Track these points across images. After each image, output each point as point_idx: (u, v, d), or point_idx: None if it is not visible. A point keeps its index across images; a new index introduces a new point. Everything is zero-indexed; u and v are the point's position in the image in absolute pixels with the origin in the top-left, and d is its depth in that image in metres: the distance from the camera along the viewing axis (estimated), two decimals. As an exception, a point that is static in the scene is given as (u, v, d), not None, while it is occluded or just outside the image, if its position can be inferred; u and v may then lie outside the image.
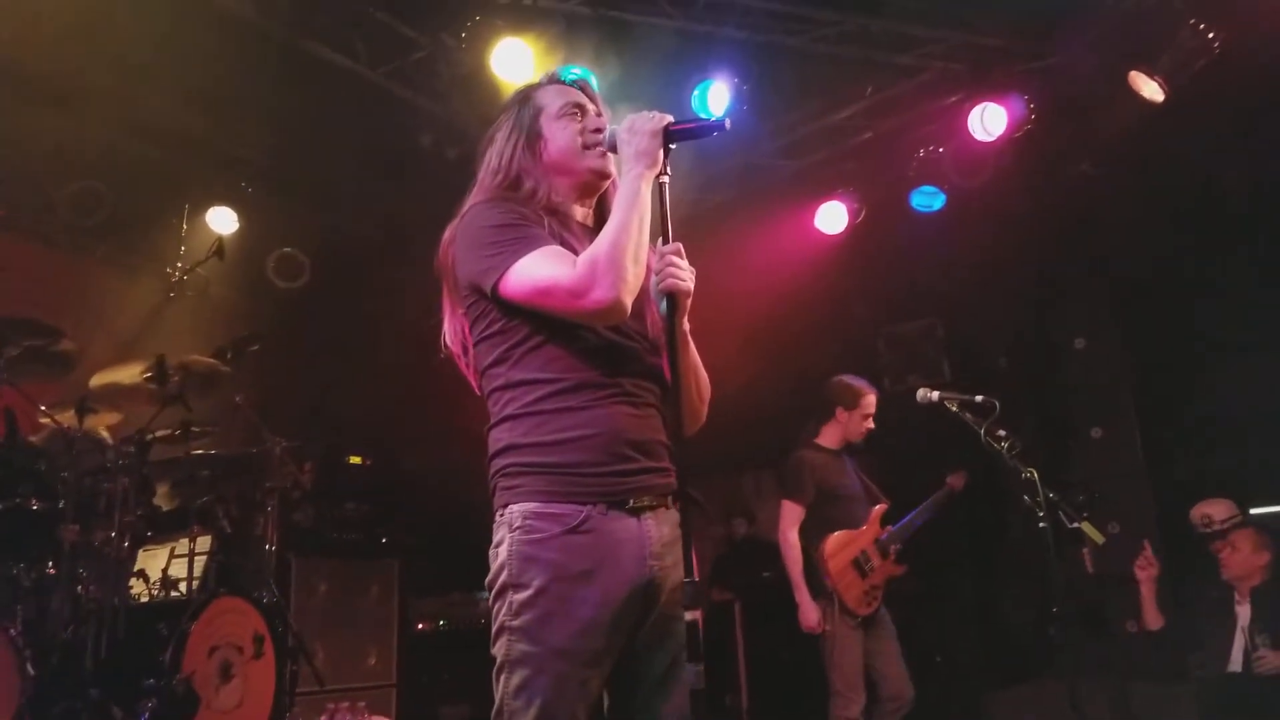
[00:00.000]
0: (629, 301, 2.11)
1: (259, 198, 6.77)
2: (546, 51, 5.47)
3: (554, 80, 2.51)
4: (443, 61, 5.87)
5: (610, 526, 2.12)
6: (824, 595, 4.86)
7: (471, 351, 2.31)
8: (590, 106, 2.43)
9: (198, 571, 4.94)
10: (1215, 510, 5.07)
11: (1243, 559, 4.87)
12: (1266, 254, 5.82)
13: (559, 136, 2.37)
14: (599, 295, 2.07)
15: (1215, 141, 5.75)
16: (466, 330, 2.31)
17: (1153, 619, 5.06)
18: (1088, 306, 7.08)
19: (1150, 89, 5.41)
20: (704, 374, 2.41)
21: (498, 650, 2.10)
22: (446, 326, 2.39)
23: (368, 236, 7.17)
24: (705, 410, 2.43)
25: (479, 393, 2.34)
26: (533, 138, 2.37)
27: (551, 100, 2.42)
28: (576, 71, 5.29)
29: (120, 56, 5.20)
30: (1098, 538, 4.25)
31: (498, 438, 2.21)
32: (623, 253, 2.08)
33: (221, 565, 5.03)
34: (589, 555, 2.09)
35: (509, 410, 2.19)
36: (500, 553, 2.12)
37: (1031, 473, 4.08)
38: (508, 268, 2.14)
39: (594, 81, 5.46)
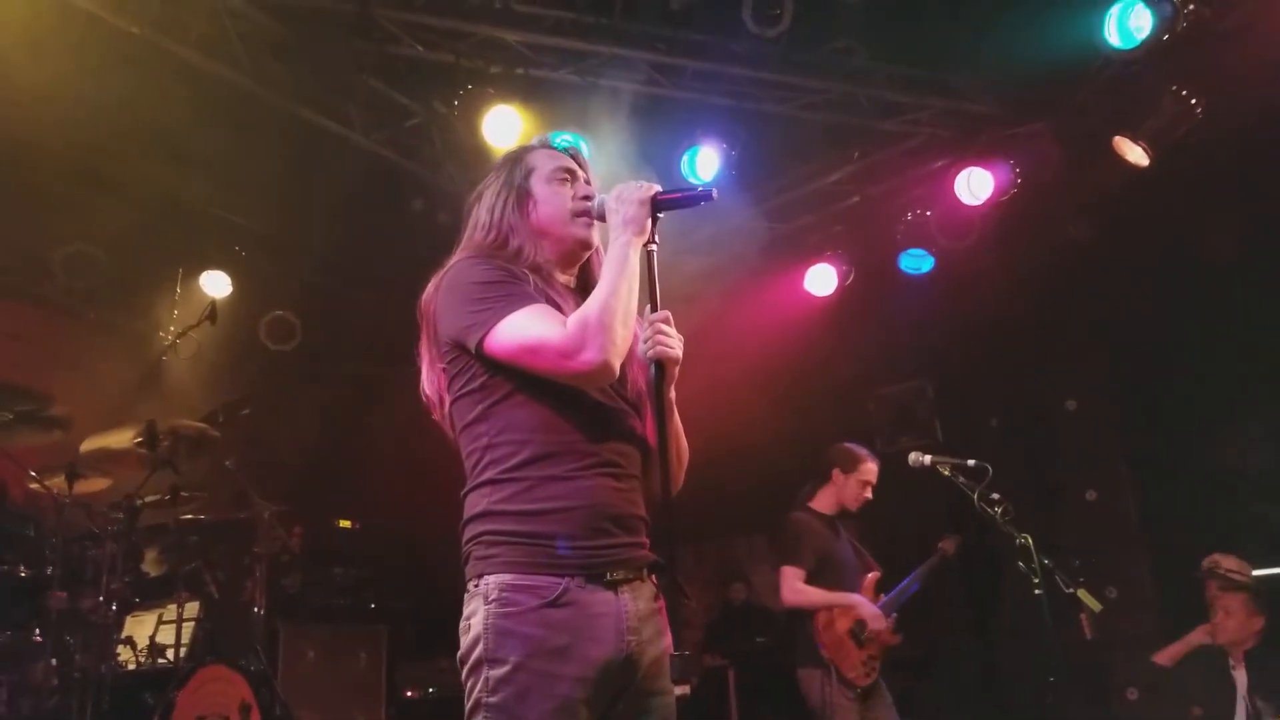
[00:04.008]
0: (617, 365, 2.11)
1: (252, 261, 6.82)
2: (537, 119, 5.56)
3: (545, 145, 2.53)
4: (435, 128, 5.97)
5: (588, 600, 2.09)
6: (820, 666, 4.78)
7: (449, 406, 2.29)
8: (580, 174, 2.45)
9: (185, 638, 4.87)
10: (1228, 561, 5.07)
11: (1238, 624, 4.85)
12: (1256, 312, 5.85)
13: (548, 200, 2.37)
14: (588, 357, 2.07)
15: (1201, 204, 5.82)
16: (443, 385, 2.29)
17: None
18: (1079, 368, 7.10)
19: (1135, 154, 5.50)
20: (684, 441, 2.40)
21: None
22: (424, 375, 2.36)
23: (359, 300, 7.20)
24: (683, 476, 2.41)
25: (455, 444, 2.31)
26: (522, 196, 2.37)
27: (543, 163, 2.43)
28: (567, 139, 5.37)
29: (115, 124, 5.26)
30: (1095, 605, 4.18)
31: (475, 501, 2.17)
32: (613, 316, 2.09)
33: (209, 632, 4.97)
34: (566, 630, 2.05)
35: (488, 474, 2.16)
36: (474, 625, 2.07)
37: (1025, 539, 4.03)
38: (494, 324, 2.13)
39: (584, 148, 5.53)
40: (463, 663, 2.09)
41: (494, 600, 2.06)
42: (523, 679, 2.01)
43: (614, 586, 2.13)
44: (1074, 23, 5.19)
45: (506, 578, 2.07)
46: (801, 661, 4.86)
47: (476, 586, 2.11)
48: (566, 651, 2.04)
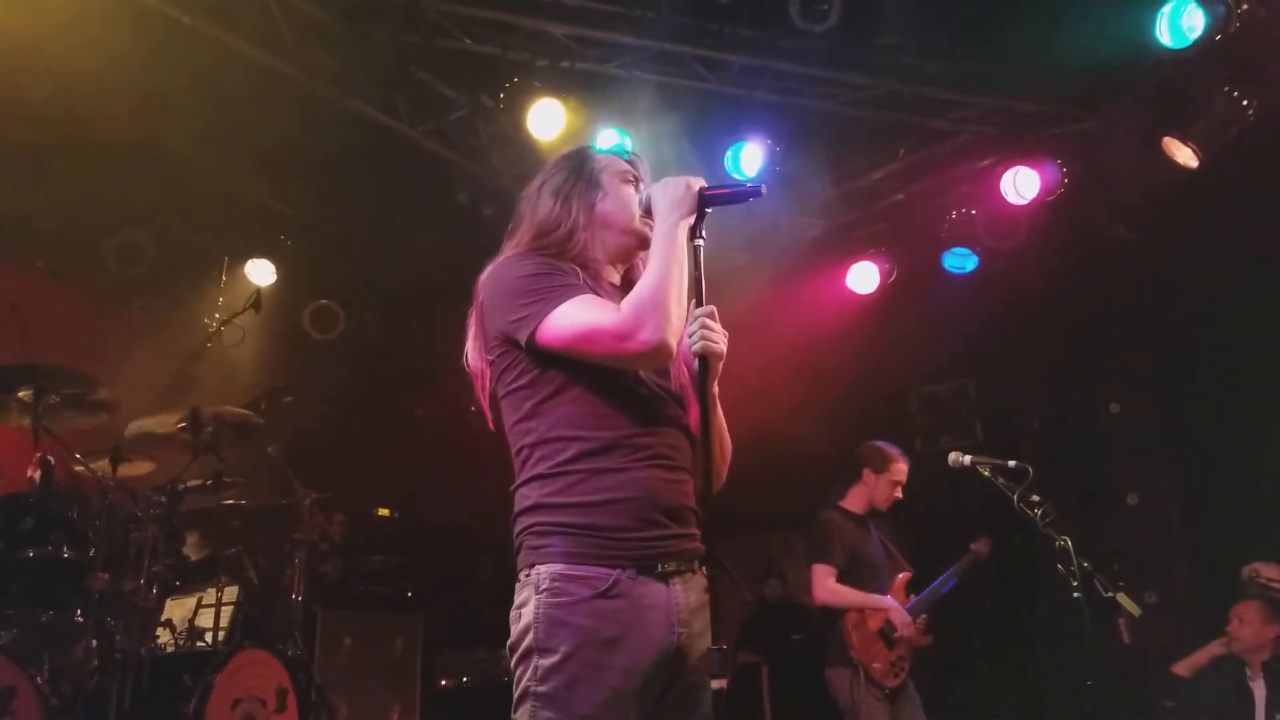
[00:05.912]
0: (674, 343, 2.11)
1: (297, 251, 6.91)
2: (582, 112, 5.57)
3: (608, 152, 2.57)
4: (481, 121, 5.99)
5: (639, 591, 2.09)
6: (849, 666, 4.76)
7: (489, 393, 2.30)
8: (643, 184, 2.46)
9: (224, 622, 4.94)
10: (1269, 570, 4.99)
11: (1252, 632, 4.81)
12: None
13: (618, 196, 2.39)
14: (645, 337, 2.07)
15: (1249, 205, 5.71)
16: (488, 377, 2.30)
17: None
18: (1123, 370, 7.01)
19: (1184, 155, 5.40)
20: (727, 437, 2.39)
21: (520, 716, 2.06)
22: (469, 346, 2.36)
23: (402, 290, 7.26)
24: (726, 471, 2.40)
25: (491, 426, 2.33)
26: (591, 185, 2.38)
27: (613, 162, 2.46)
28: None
29: (165, 113, 5.34)
30: (1134, 609, 4.13)
31: (526, 495, 2.18)
32: (667, 295, 2.10)
33: (247, 616, 5.02)
34: (618, 621, 2.05)
35: (539, 469, 2.17)
36: (525, 614, 2.08)
37: (1065, 541, 3.99)
38: (545, 315, 2.14)
39: (629, 143, 5.55)
40: (512, 651, 2.10)
41: (545, 590, 2.07)
42: (572, 669, 2.02)
43: (665, 579, 2.14)
44: (1125, 21, 5.11)
45: (558, 567, 2.08)
46: (831, 661, 4.85)
47: (528, 576, 2.12)
48: (617, 643, 2.04)
